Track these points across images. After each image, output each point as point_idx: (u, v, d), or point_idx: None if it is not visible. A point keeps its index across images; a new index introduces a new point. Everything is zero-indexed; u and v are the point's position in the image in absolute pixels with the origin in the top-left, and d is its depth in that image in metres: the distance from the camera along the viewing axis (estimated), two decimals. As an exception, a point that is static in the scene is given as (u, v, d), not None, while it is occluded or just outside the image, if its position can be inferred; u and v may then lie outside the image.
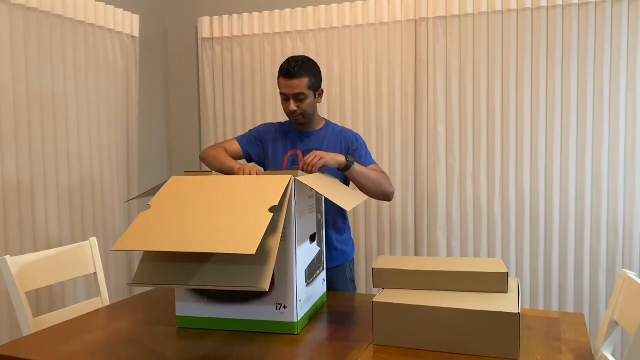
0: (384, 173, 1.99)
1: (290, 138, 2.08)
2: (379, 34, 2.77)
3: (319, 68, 2.04)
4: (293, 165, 2.02)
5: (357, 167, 1.85)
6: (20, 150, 2.23)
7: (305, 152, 2.02)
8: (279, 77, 1.99)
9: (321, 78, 2.05)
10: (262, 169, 1.95)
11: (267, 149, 2.10)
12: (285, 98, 1.98)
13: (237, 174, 1.71)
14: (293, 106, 1.97)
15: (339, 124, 2.19)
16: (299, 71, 1.94)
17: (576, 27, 2.48)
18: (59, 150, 2.42)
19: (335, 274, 2.05)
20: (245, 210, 1.27)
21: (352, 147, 2.03)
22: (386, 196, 1.97)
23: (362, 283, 2.88)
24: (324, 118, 2.15)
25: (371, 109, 2.81)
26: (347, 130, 2.11)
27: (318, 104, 2.06)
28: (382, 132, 2.79)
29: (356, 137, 2.07)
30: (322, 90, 2.06)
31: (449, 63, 2.67)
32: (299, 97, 1.96)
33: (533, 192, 2.59)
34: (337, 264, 2.06)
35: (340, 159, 1.81)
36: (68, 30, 2.45)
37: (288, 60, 1.98)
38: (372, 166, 2.02)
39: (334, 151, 1.99)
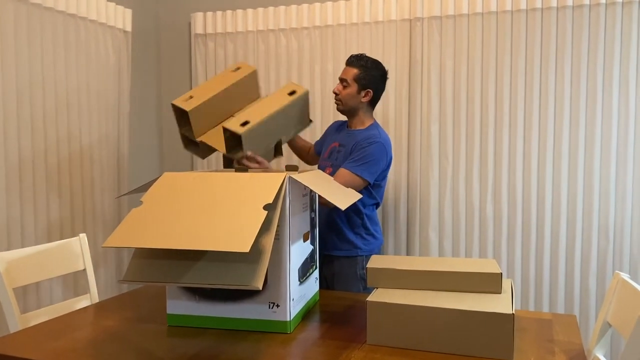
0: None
1: (338, 132, 2.30)
2: (373, 33, 2.76)
3: (380, 73, 2.20)
4: (331, 155, 2.23)
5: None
6: (8, 145, 2.19)
7: (340, 145, 2.21)
8: None
9: (375, 82, 2.19)
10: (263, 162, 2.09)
11: (327, 140, 2.33)
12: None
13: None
14: (336, 87, 2.21)
15: (382, 128, 2.25)
16: (354, 61, 2.18)
17: (570, 29, 2.49)
18: (48, 145, 2.38)
19: (345, 266, 2.09)
20: (239, 207, 1.25)
21: (354, 147, 2.11)
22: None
23: (354, 282, 2.87)
24: (373, 119, 2.25)
25: (365, 107, 2.80)
26: (374, 135, 2.14)
27: (364, 103, 2.19)
28: (375, 131, 2.79)
29: (370, 142, 2.09)
30: (370, 91, 2.18)
31: (443, 63, 2.67)
32: (343, 82, 2.18)
33: (525, 194, 2.60)
34: (345, 255, 2.13)
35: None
36: (59, 23, 2.42)
37: (360, 53, 2.23)
38: (338, 172, 2.07)
39: (349, 152, 2.12)
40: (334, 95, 2.22)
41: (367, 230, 2.18)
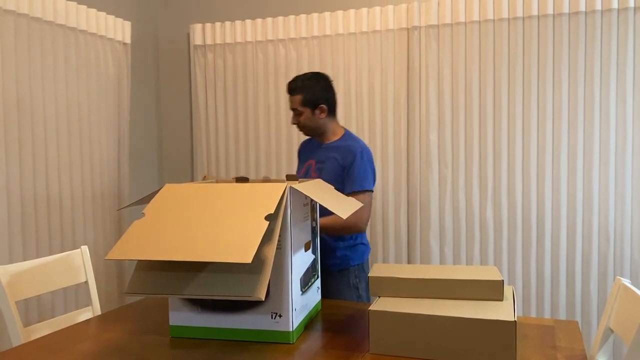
0: (358, 207, 1.67)
1: (312, 148, 2.23)
2: (371, 43, 2.78)
3: (320, 85, 2.13)
4: (307, 175, 2.18)
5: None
6: (10, 157, 2.20)
7: (317, 163, 2.14)
8: None
9: (321, 94, 2.13)
10: None
11: (301, 161, 2.30)
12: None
13: None
14: (293, 119, 2.17)
15: (355, 135, 2.23)
16: (295, 89, 2.12)
17: (567, 36, 2.51)
18: (49, 158, 2.39)
19: (337, 278, 2.09)
20: (241, 218, 1.26)
21: (347, 166, 2.07)
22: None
23: (355, 291, 2.87)
24: (343, 128, 2.22)
25: (364, 117, 2.81)
26: (353, 146, 2.11)
27: (324, 118, 2.14)
28: (374, 140, 2.80)
29: (354, 156, 2.07)
30: (323, 105, 2.13)
31: (441, 71, 2.68)
32: (295, 112, 2.14)
33: (525, 200, 2.60)
34: (338, 269, 2.10)
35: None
36: (59, 36, 2.43)
37: (295, 76, 2.16)
38: (350, 198, 1.99)
39: (335, 167, 2.08)
40: (296, 126, 2.19)
41: (356, 240, 2.16)
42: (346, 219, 1.86)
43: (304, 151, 2.30)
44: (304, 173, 2.20)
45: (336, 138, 2.17)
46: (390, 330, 1.26)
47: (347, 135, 2.19)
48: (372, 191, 2.11)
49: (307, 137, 2.33)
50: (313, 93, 2.13)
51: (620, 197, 2.48)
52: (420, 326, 1.23)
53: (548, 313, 2.59)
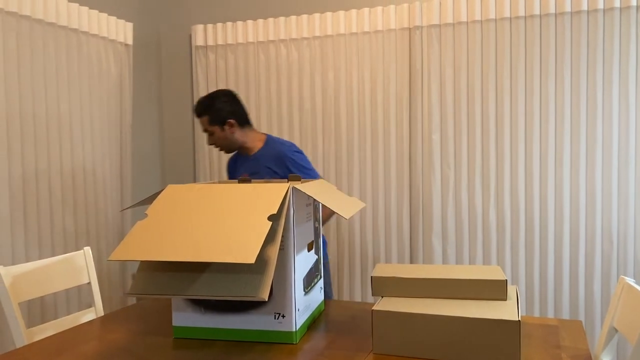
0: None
1: (239, 164, 2.28)
2: (373, 42, 2.78)
3: (225, 100, 2.18)
4: None
5: None
6: (12, 158, 2.20)
7: (250, 175, 2.19)
8: None
9: (227, 110, 2.18)
10: None
11: (231, 177, 2.35)
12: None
13: None
14: (207, 141, 2.24)
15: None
16: (199, 111, 2.19)
17: (569, 35, 2.51)
18: (51, 159, 2.39)
19: None
20: (244, 218, 1.26)
21: (287, 169, 2.12)
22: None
23: (357, 291, 2.87)
24: (263, 135, 2.25)
25: (366, 117, 2.81)
26: (282, 148, 2.16)
27: (236, 131, 2.19)
28: (377, 140, 2.79)
29: (291, 156, 2.13)
30: (231, 122, 2.18)
31: (443, 71, 2.68)
32: (207, 133, 2.22)
33: (528, 200, 2.60)
34: None
35: None
36: (61, 38, 2.43)
37: (198, 100, 2.23)
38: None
39: (273, 172, 2.12)
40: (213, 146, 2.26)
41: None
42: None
43: (233, 167, 2.34)
44: None
45: (260, 146, 2.21)
46: (393, 330, 1.26)
47: (270, 140, 2.22)
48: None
49: (232, 155, 2.37)
50: (218, 111, 2.18)
51: (624, 196, 2.47)
52: (424, 326, 1.23)
53: (551, 313, 2.59)
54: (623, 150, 2.47)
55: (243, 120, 2.22)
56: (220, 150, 2.25)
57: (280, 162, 2.11)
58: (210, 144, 2.24)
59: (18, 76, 2.22)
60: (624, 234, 2.48)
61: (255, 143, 2.22)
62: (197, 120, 3.17)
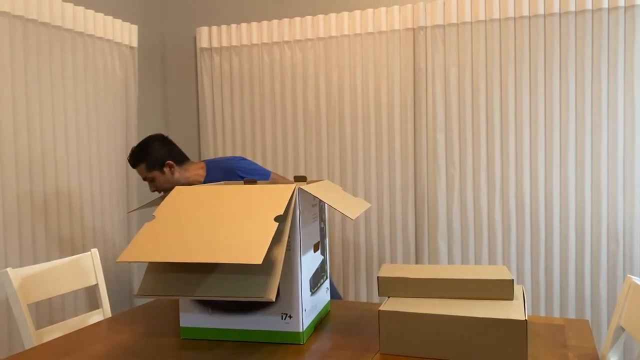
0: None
1: None
2: (377, 43, 2.78)
3: (158, 144, 2.22)
4: None
5: None
6: (19, 161, 2.22)
7: None
8: None
9: (163, 153, 2.22)
10: None
11: None
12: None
13: None
14: (150, 188, 2.27)
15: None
16: (134, 162, 2.23)
17: (573, 34, 2.50)
18: (58, 161, 2.41)
19: None
20: (251, 219, 1.26)
21: (242, 175, 2.16)
22: None
23: (363, 291, 2.87)
24: (201, 162, 2.29)
25: (370, 117, 2.81)
26: (227, 164, 2.22)
27: (176, 171, 2.23)
28: (381, 141, 2.80)
29: (238, 166, 2.18)
30: (169, 162, 2.22)
31: (447, 71, 2.68)
32: (148, 180, 2.25)
33: (533, 199, 2.60)
34: None
35: None
36: (67, 41, 2.45)
37: (130, 150, 2.28)
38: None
39: None
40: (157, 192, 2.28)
41: None
42: None
43: None
44: None
45: (203, 174, 2.25)
46: (400, 330, 1.26)
47: (211, 164, 2.26)
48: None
49: None
50: (152, 156, 2.21)
51: (630, 195, 2.47)
52: (431, 326, 1.23)
53: (557, 312, 2.59)
54: (629, 149, 2.46)
55: (180, 158, 2.27)
56: (164, 193, 2.26)
57: (232, 174, 2.17)
58: (154, 191, 2.27)
59: (25, 79, 2.24)
60: (630, 232, 2.47)
61: (197, 174, 2.27)
62: (203, 121, 3.18)
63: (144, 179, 2.25)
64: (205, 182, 2.26)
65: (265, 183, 1.56)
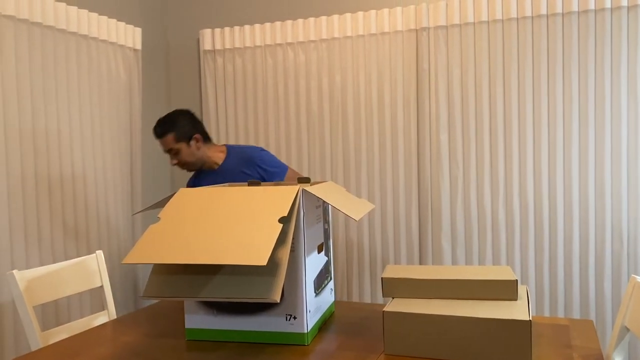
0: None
1: (207, 179, 2.28)
2: (380, 44, 2.79)
3: (186, 117, 2.20)
4: None
5: None
6: (24, 164, 2.23)
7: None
8: None
9: (190, 126, 2.20)
10: None
11: None
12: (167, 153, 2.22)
13: None
14: (172, 161, 2.22)
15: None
16: (162, 132, 2.18)
17: (576, 34, 2.50)
18: (63, 164, 2.42)
19: None
20: (255, 221, 1.27)
21: (260, 169, 2.17)
22: None
23: (367, 292, 2.88)
24: (223, 146, 2.29)
25: (373, 119, 2.82)
26: (248, 152, 2.22)
27: (201, 146, 2.22)
28: (384, 142, 2.80)
29: (259, 156, 2.19)
30: (196, 136, 2.20)
31: (450, 72, 2.68)
32: (172, 152, 2.20)
33: (537, 200, 2.59)
34: None
35: None
36: (71, 43, 2.46)
37: (157, 121, 2.22)
38: (290, 174, 2.19)
39: (246, 175, 2.16)
40: (175, 166, 2.23)
41: None
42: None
43: (196, 185, 2.32)
44: None
45: (223, 157, 2.25)
46: (404, 331, 1.26)
47: (232, 149, 2.26)
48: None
49: (191, 174, 2.40)
50: (182, 127, 2.19)
51: (634, 196, 2.46)
52: (435, 326, 1.24)
53: (562, 313, 2.58)
54: (632, 149, 2.46)
55: (206, 136, 2.28)
56: (185, 168, 2.25)
57: (251, 163, 2.18)
58: (175, 164, 2.22)
59: (29, 82, 2.25)
60: (635, 232, 2.47)
61: (218, 156, 2.27)
62: (207, 123, 3.18)
63: (168, 150, 2.21)
64: (223, 165, 2.25)
65: (271, 184, 1.57)
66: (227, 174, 2.22)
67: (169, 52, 3.32)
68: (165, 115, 2.22)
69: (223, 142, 3.13)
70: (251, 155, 2.21)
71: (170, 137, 2.18)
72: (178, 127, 2.19)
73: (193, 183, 2.38)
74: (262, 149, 2.26)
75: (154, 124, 3.16)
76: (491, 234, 2.67)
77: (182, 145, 2.19)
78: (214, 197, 1.39)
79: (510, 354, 1.19)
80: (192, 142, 2.21)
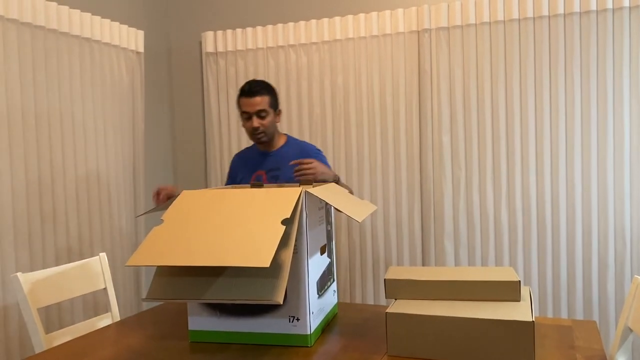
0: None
1: (254, 160, 2.23)
2: (382, 46, 2.79)
3: (276, 91, 2.20)
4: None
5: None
6: (28, 166, 2.24)
7: (269, 171, 2.16)
8: (239, 97, 2.15)
9: (279, 101, 2.21)
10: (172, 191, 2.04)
11: (237, 177, 2.27)
12: (247, 117, 2.13)
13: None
14: (256, 122, 2.12)
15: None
16: (260, 90, 2.11)
17: (578, 35, 2.50)
18: (66, 166, 2.43)
19: None
20: (258, 223, 1.27)
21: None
22: None
23: (370, 293, 2.88)
24: (284, 134, 2.27)
25: (376, 120, 2.82)
26: (308, 147, 2.20)
27: (277, 124, 2.21)
28: (387, 143, 2.80)
29: (317, 155, 2.16)
30: (280, 111, 2.22)
31: (452, 73, 2.68)
32: (260, 114, 2.12)
33: (539, 201, 2.59)
34: None
35: (329, 178, 1.95)
36: (74, 46, 2.47)
37: (249, 81, 2.14)
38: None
39: (292, 167, 2.11)
40: (254, 130, 2.13)
41: None
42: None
43: (244, 164, 2.27)
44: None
45: (282, 143, 2.22)
46: (407, 332, 1.26)
47: (292, 139, 2.24)
48: None
49: (239, 152, 2.36)
50: (275, 96, 2.18)
51: (637, 196, 2.46)
52: (438, 328, 1.24)
53: (565, 314, 2.58)
54: (635, 149, 2.46)
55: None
56: (261, 136, 2.15)
57: (308, 158, 2.12)
58: (257, 126, 2.12)
59: (33, 85, 2.26)
60: (638, 232, 2.46)
61: (279, 140, 2.24)
62: (209, 126, 3.18)
63: (259, 111, 2.11)
64: (281, 150, 2.21)
65: (274, 186, 1.57)
66: (283, 160, 2.18)
67: (171, 55, 3.32)
68: (260, 80, 2.17)
69: (225, 143, 3.14)
70: (310, 152, 2.19)
71: (267, 98, 2.13)
72: (274, 94, 2.17)
73: (238, 160, 2.32)
74: (320, 150, 2.25)
75: (156, 127, 3.17)
76: (494, 235, 2.67)
77: (271, 112, 2.15)
78: (217, 199, 1.40)
79: (513, 355, 1.19)
80: (278, 112, 2.20)
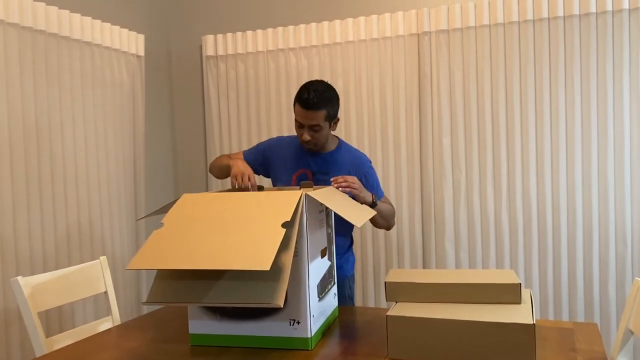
0: (392, 205, 2.08)
1: (302, 156, 2.03)
2: (382, 49, 2.79)
3: (337, 96, 1.97)
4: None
5: (379, 206, 1.92)
6: (29, 169, 2.24)
7: (317, 174, 2.00)
8: (296, 102, 1.92)
9: (338, 107, 1.98)
10: (252, 176, 1.84)
11: (274, 163, 2.07)
12: (300, 125, 1.93)
13: (232, 172, 1.79)
14: (307, 136, 1.92)
15: (352, 144, 2.18)
16: (318, 103, 1.86)
17: (578, 37, 2.50)
18: (66, 170, 2.43)
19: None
20: (258, 226, 1.27)
21: (364, 177, 2.00)
22: (389, 228, 2.11)
23: (371, 296, 2.87)
24: (336, 137, 2.09)
25: (376, 123, 2.82)
26: (361, 156, 2.07)
27: (331, 132, 2.01)
28: (387, 146, 2.80)
29: (369, 167, 2.05)
30: (338, 119, 2.00)
31: (452, 76, 2.69)
32: (314, 128, 1.91)
33: (540, 202, 2.59)
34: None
35: (368, 198, 1.85)
36: (75, 50, 2.48)
37: (308, 88, 1.88)
38: (384, 199, 2.07)
39: (345, 171, 1.99)
40: (304, 142, 1.95)
41: (348, 251, 2.11)
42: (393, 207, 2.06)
43: (286, 155, 2.06)
44: (295, 182, 2.02)
45: (334, 147, 2.04)
46: (408, 335, 1.26)
47: (344, 144, 2.09)
48: None
49: (279, 137, 2.19)
50: (334, 107, 1.94)
51: (637, 199, 2.46)
52: (439, 330, 1.23)
53: (566, 316, 2.58)
54: (635, 152, 2.46)
55: None
56: (311, 146, 1.97)
57: (359, 169, 2.01)
58: (307, 140, 1.92)
59: (34, 88, 2.26)
60: (638, 235, 2.46)
61: (331, 143, 2.04)
62: (209, 129, 3.19)
63: (314, 125, 1.90)
64: (332, 154, 2.02)
65: (274, 189, 1.57)
66: (329, 164, 2.00)
67: (171, 59, 3.33)
68: (322, 86, 1.92)
69: (226, 147, 3.14)
70: (363, 161, 2.04)
71: (323, 113, 1.89)
72: (332, 106, 1.92)
73: (277, 147, 2.11)
74: (371, 165, 2.08)
75: (156, 130, 3.17)
76: (494, 238, 2.67)
77: (326, 125, 1.93)
78: (217, 202, 1.40)
79: (514, 358, 1.19)
80: (333, 124, 1.98)
